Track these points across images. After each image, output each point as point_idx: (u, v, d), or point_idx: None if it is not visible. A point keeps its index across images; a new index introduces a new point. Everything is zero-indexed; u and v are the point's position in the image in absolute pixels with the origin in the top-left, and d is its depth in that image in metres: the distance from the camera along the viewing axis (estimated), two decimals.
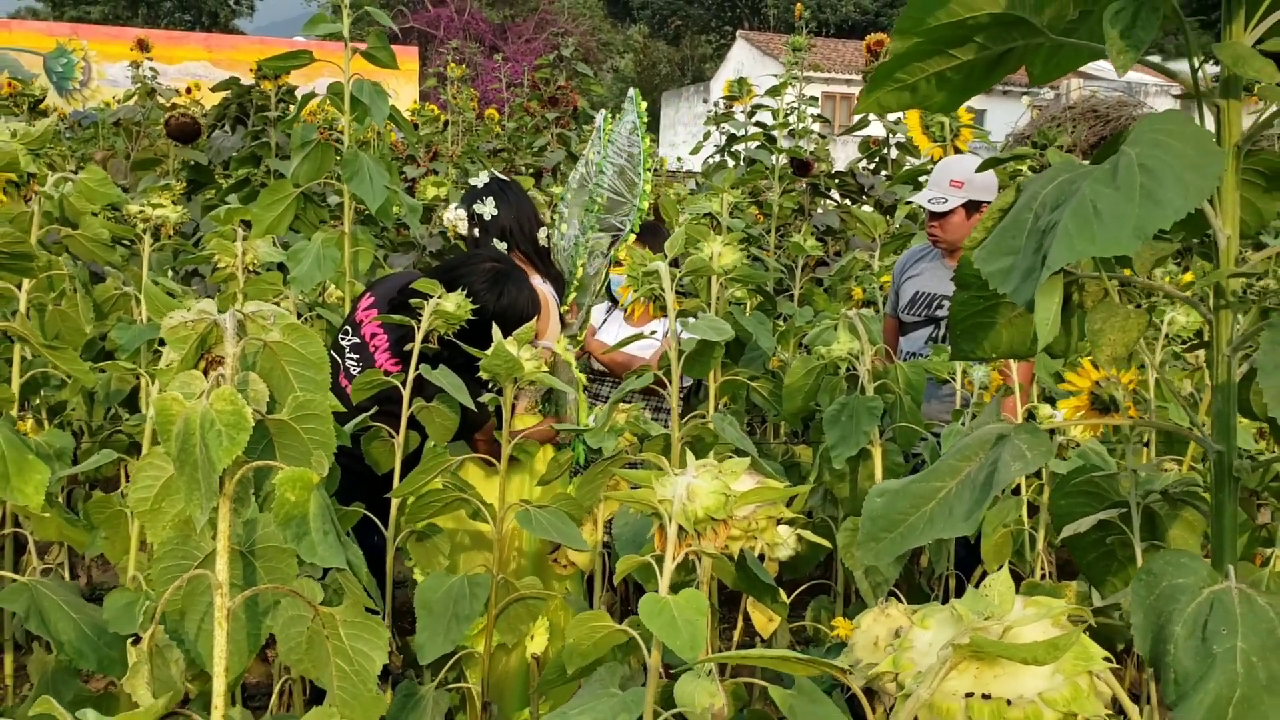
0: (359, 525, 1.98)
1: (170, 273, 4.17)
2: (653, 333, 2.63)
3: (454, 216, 3.13)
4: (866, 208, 6.13)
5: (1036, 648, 0.79)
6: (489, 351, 2.03)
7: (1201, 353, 2.48)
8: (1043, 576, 2.27)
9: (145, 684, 1.17)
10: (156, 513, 1.34)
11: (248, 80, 5.66)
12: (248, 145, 5.30)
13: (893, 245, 4.77)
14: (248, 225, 3.05)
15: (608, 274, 3.27)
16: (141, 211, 2.82)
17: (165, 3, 38.59)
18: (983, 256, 1.17)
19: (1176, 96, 21.62)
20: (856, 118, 4.64)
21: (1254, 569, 1.27)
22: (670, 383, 2.20)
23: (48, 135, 1.85)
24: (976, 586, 0.98)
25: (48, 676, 1.96)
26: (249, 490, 1.33)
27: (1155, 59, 1.52)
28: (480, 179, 3.21)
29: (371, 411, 2.27)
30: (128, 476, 3.72)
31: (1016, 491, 2.34)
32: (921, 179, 4.69)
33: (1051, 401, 2.53)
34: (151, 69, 6.95)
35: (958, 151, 4.62)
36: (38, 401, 3.05)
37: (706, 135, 6.94)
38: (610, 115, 3.31)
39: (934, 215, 3.59)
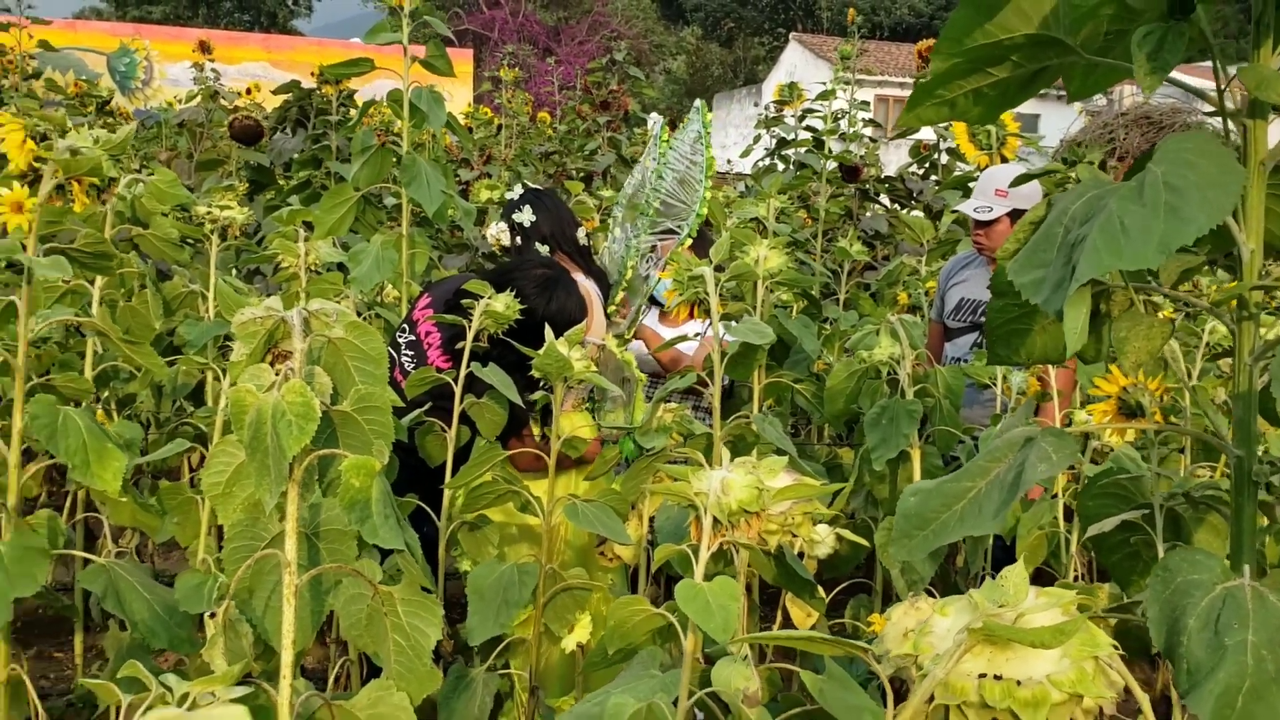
0: (410, 516, 2.08)
1: (233, 271, 4.31)
2: (696, 335, 2.70)
3: (496, 231, 3.24)
4: (916, 213, 6.16)
5: (1043, 632, 0.85)
6: (540, 351, 2.11)
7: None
8: (1077, 578, 2.31)
9: (221, 654, 1.26)
10: (228, 496, 1.43)
11: (308, 83, 5.81)
12: (309, 148, 5.45)
13: (940, 250, 4.80)
14: (309, 226, 3.17)
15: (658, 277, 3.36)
16: (209, 212, 2.94)
17: (225, 3, 39.27)
18: (1015, 268, 1.23)
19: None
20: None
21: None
22: (713, 383, 2.27)
23: (127, 141, 1.96)
24: None
25: (123, 652, 2.07)
26: (314, 477, 1.42)
27: (1189, 79, 1.57)
28: (514, 191, 3.33)
29: (426, 406, 2.37)
30: (191, 466, 3.86)
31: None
32: (970, 184, 4.72)
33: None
34: (214, 70, 7.14)
35: (1004, 160, 4.64)
36: (107, 394, 3.18)
37: (757, 139, 6.99)
38: (666, 121, 3.39)
39: (979, 223, 3.64)
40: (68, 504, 3.35)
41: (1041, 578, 2.56)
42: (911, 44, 22.47)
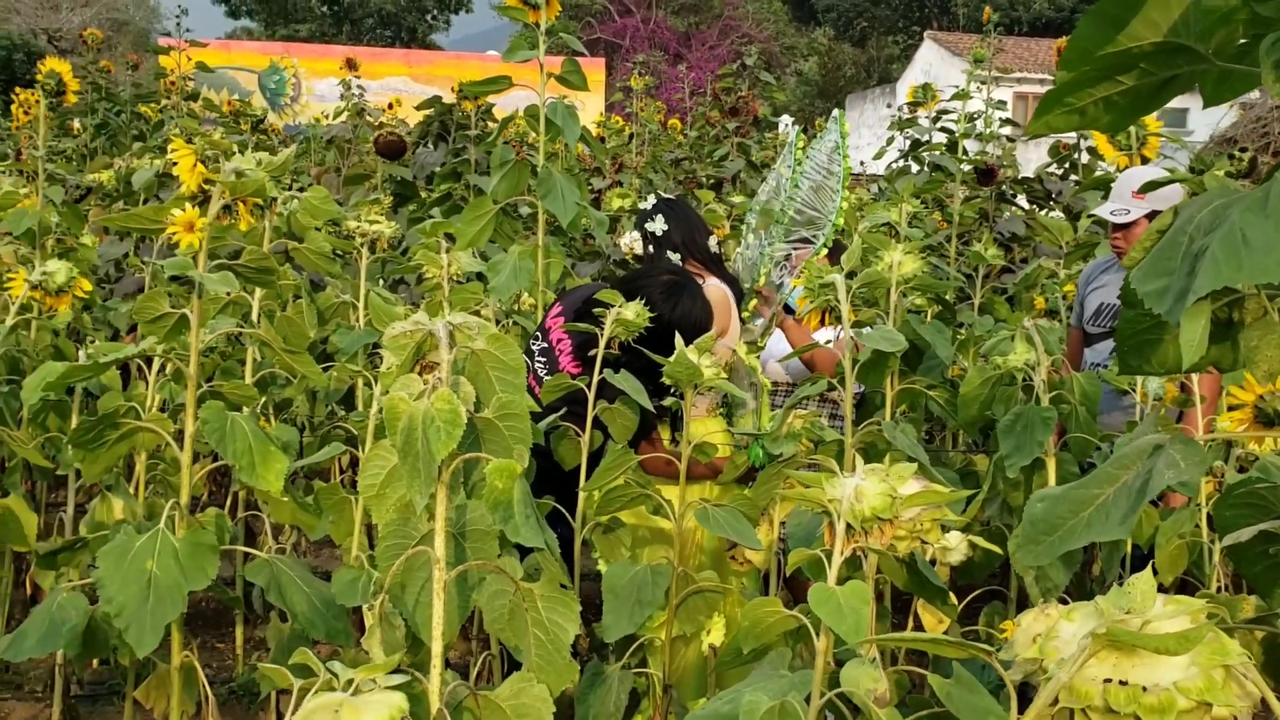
0: (545, 517, 2.16)
1: (379, 281, 4.50)
2: (828, 342, 2.72)
3: (629, 240, 3.32)
4: (1055, 214, 6.02)
5: (1168, 638, 0.87)
6: (671, 358, 2.17)
7: None
8: (1221, 588, 2.25)
9: (379, 644, 1.36)
10: (382, 497, 1.53)
11: (448, 98, 6.01)
12: (449, 161, 5.64)
13: (1079, 253, 4.69)
14: (450, 238, 3.30)
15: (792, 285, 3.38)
16: (359, 227, 3.09)
17: (367, 20, 40.64)
18: (1139, 276, 1.23)
19: None
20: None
21: None
22: (845, 390, 2.29)
23: (288, 164, 2.10)
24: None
25: (283, 642, 2.21)
26: (459, 479, 1.51)
27: None
28: (647, 202, 3.40)
29: (561, 412, 2.45)
30: (341, 468, 4.05)
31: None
32: (1112, 184, 4.59)
33: None
34: (359, 86, 7.44)
35: (1144, 160, 4.51)
36: (265, 399, 3.37)
37: (890, 140, 6.93)
38: (799, 126, 3.42)
39: (1117, 226, 3.55)
40: (228, 503, 3.56)
41: (1185, 587, 2.51)
42: (1051, 39, 21.84)
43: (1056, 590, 2.23)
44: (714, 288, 3.21)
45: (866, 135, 27.90)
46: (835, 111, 3.40)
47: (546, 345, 2.97)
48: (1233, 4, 1.34)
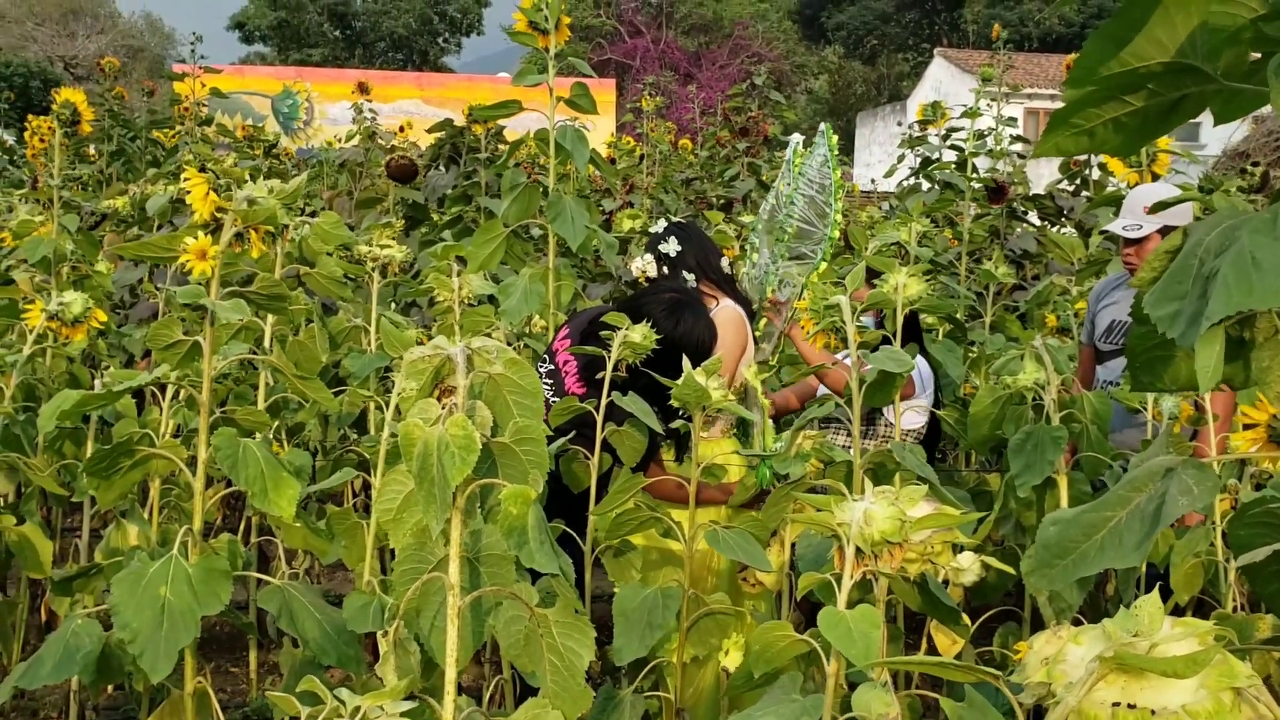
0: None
1: (391, 304, 4.52)
2: (835, 362, 2.72)
3: (641, 264, 3.33)
4: (1067, 230, 6.01)
5: (1175, 661, 0.87)
6: (679, 381, 2.18)
7: None
8: (1237, 608, 2.24)
9: (393, 670, 1.36)
10: (399, 522, 1.54)
11: (460, 121, 6.05)
12: (460, 184, 5.67)
13: (1091, 270, 4.68)
14: (461, 261, 3.32)
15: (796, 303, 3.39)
16: (371, 251, 3.11)
17: (379, 43, 40.94)
18: (1151, 300, 1.23)
19: None
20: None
21: None
22: (852, 411, 2.29)
23: (300, 192, 2.12)
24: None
25: (296, 668, 2.21)
26: (475, 504, 1.51)
27: None
28: (658, 226, 3.41)
29: (570, 435, 2.46)
30: (354, 492, 4.06)
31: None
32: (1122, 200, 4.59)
33: None
34: (371, 110, 7.50)
35: (1155, 177, 4.51)
36: (277, 423, 3.39)
37: (900, 158, 6.94)
38: (802, 144, 3.43)
39: (1129, 241, 3.55)
40: (241, 527, 3.57)
41: (1201, 607, 2.50)
42: (1062, 55, 21.85)
43: (1070, 610, 2.22)
44: (729, 309, 3.22)
45: (877, 153, 27.93)
46: (822, 125, 3.41)
47: (553, 367, 2.98)
48: (1240, 23, 1.35)
